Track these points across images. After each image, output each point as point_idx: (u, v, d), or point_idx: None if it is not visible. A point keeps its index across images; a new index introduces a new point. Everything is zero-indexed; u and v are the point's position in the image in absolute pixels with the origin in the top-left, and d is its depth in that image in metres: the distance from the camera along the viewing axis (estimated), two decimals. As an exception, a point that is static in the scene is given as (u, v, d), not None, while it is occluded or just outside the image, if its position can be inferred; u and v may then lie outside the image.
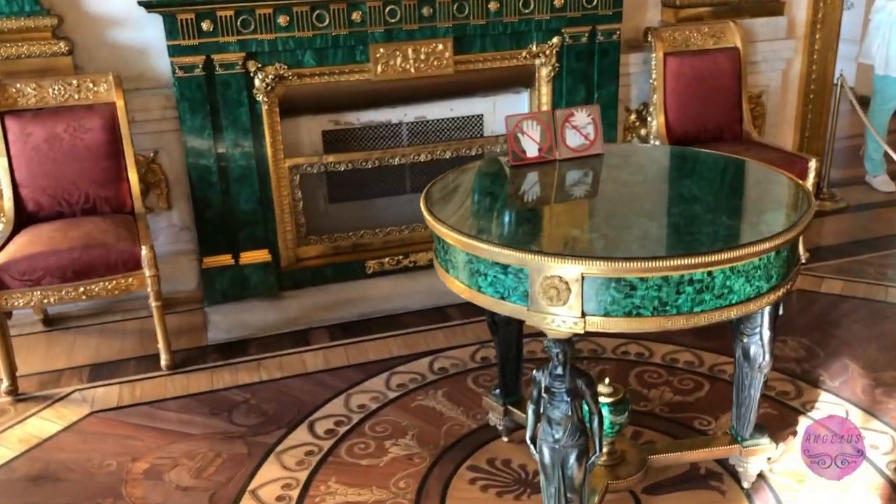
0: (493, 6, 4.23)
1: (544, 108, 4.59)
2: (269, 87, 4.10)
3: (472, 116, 4.70)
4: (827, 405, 3.31)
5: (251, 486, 2.94)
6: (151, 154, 4.21)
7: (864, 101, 6.03)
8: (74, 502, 2.90)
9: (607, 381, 2.68)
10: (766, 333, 2.63)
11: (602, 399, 2.61)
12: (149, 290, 3.59)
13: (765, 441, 2.80)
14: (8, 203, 3.78)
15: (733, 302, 2.14)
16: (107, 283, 3.53)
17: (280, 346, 3.92)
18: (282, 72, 4.09)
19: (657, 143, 4.66)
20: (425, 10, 4.15)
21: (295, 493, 2.90)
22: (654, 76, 4.69)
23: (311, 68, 4.15)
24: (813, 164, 4.37)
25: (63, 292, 3.49)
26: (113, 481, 2.99)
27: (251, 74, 4.05)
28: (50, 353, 3.93)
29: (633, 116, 4.92)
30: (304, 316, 4.18)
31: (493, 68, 4.46)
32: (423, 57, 4.26)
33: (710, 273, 2.08)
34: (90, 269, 3.49)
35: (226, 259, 4.27)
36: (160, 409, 3.45)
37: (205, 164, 4.10)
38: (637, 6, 4.85)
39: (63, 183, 3.82)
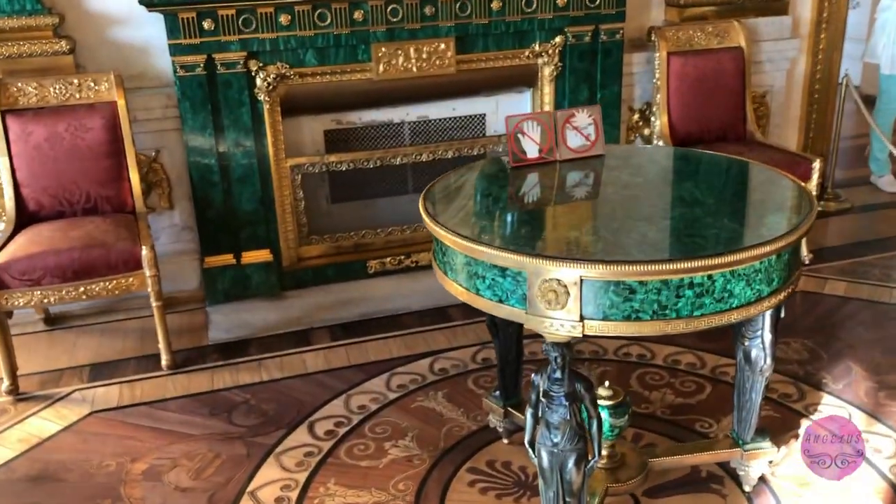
0: (495, 5, 4.21)
1: (547, 107, 4.58)
2: (271, 87, 4.09)
3: (475, 116, 4.68)
4: (830, 408, 3.29)
5: (250, 488, 2.94)
6: (153, 153, 4.21)
7: (870, 101, 6.01)
8: (73, 503, 2.89)
9: (607, 383, 2.67)
10: (768, 336, 2.61)
11: (602, 402, 2.60)
12: (149, 290, 3.58)
13: (766, 444, 2.78)
14: (9, 202, 3.78)
15: (734, 306, 2.12)
16: (107, 283, 3.53)
17: (281, 346, 3.92)
18: (283, 71, 4.08)
19: (660, 143, 4.64)
20: (427, 10, 4.14)
21: (294, 495, 2.89)
22: (657, 76, 4.67)
23: (312, 67, 4.14)
24: (817, 164, 4.35)
25: (63, 292, 3.48)
26: (112, 482, 2.99)
27: (252, 74, 4.04)
28: (51, 352, 3.93)
29: (636, 116, 4.90)
30: (305, 316, 4.17)
31: (495, 68, 4.44)
32: (425, 56, 4.25)
33: (710, 276, 2.06)
34: (90, 268, 3.48)
35: (227, 259, 4.26)
36: (160, 409, 3.45)
37: (206, 164, 4.10)
38: (641, 5, 4.83)
39: (64, 182, 3.82)
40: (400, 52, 4.21)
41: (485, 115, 4.68)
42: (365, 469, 3.02)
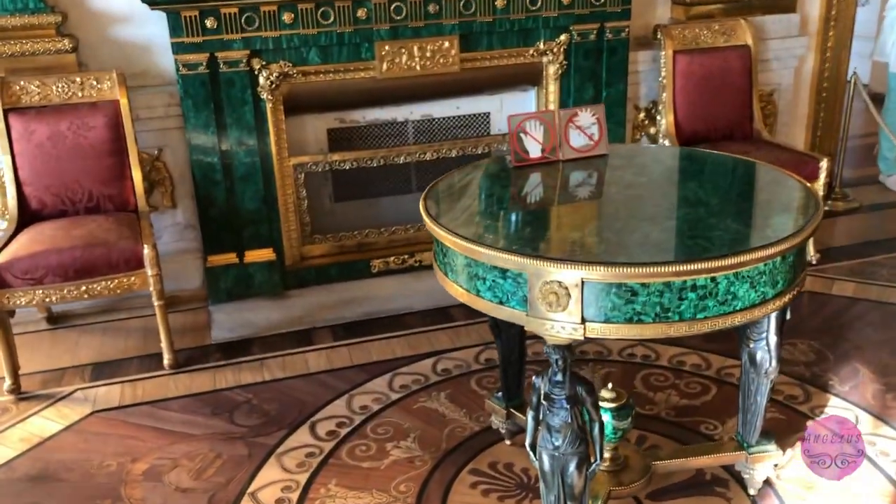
0: (499, 3, 4.18)
1: (552, 106, 4.55)
2: (274, 85, 4.07)
3: (479, 114, 4.66)
4: (836, 410, 3.25)
5: (251, 489, 2.92)
6: (156, 152, 4.20)
7: (878, 99, 5.96)
8: (73, 503, 2.88)
9: (610, 385, 2.64)
10: (773, 339, 2.58)
11: (605, 404, 2.57)
12: (151, 289, 3.57)
13: (771, 447, 2.75)
14: (11, 201, 3.77)
15: (737, 308, 2.09)
16: (109, 283, 3.52)
17: (283, 345, 3.90)
18: (286, 69, 4.06)
19: (666, 141, 4.61)
20: (431, 7, 4.11)
21: (294, 496, 2.87)
22: (663, 74, 4.63)
23: (315, 66, 4.12)
24: (824, 163, 4.31)
25: (65, 291, 3.47)
26: (112, 482, 2.98)
27: (255, 72, 4.02)
28: (53, 351, 3.92)
29: (642, 115, 4.86)
30: (308, 315, 4.15)
31: (499, 66, 4.41)
32: (428, 54, 4.22)
33: (713, 279, 2.03)
34: (92, 268, 3.47)
35: (230, 258, 4.25)
36: (162, 408, 3.44)
37: (209, 163, 4.08)
38: (646, 3, 4.79)
39: (66, 181, 3.81)
40: (403, 50, 4.18)
41: (489, 113, 4.65)
42: (366, 470, 3.00)
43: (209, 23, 3.85)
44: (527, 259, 2.05)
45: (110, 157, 3.86)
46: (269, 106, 4.10)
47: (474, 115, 4.65)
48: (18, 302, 3.44)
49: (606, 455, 2.67)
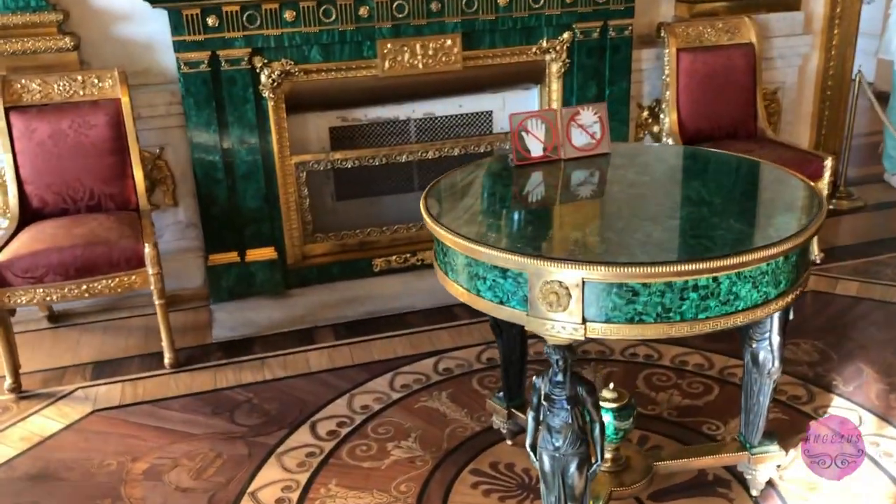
0: (502, 1, 4.16)
1: (554, 104, 4.53)
2: (276, 83, 4.06)
3: (481, 113, 4.64)
4: (840, 410, 3.23)
5: (251, 488, 2.91)
6: (157, 150, 4.19)
7: (884, 98, 5.93)
8: (72, 502, 2.88)
9: (612, 385, 2.63)
10: (776, 339, 2.56)
11: (606, 404, 2.56)
12: (152, 288, 3.56)
13: (774, 448, 2.74)
14: (12, 199, 3.77)
15: (739, 308, 2.07)
16: (110, 281, 3.51)
17: (285, 344, 3.89)
18: (288, 68, 4.05)
19: (670, 140, 4.58)
20: (433, 5, 4.10)
21: (295, 496, 2.86)
22: (666, 72, 4.61)
23: (317, 64, 4.10)
24: (829, 162, 4.28)
25: (66, 290, 3.47)
26: (112, 481, 2.97)
27: (257, 70, 4.01)
28: (54, 349, 3.92)
29: (645, 113, 4.84)
30: (309, 314, 4.14)
31: (502, 64, 4.40)
32: (431, 52, 4.21)
33: (715, 279, 2.02)
34: (93, 266, 3.46)
35: (232, 256, 4.24)
36: (162, 407, 3.43)
37: (210, 161, 4.07)
38: (650, 1, 4.76)
39: (67, 179, 3.80)
40: (406, 48, 4.17)
41: (491, 112, 4.64)
42: (367, 470, 2.99)
43: (211, 21, 3.83)
44: (527, 259, 2.03)
45: (111, 155, 3.85)
46: (270, 104, 4.09)
47: (477, 113, 4.63)
48: (19, 301, 3.44)
49: (608, 455, 2.66)
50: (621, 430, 2.61)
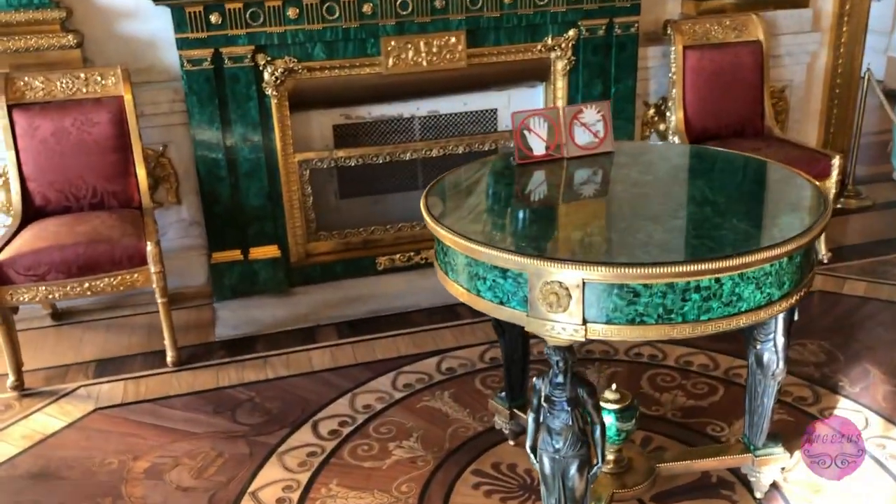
0: (507, -2, 4.15)
1: (560, 102, 4.50)
2: (279, 81, 4.04)
3: (486, 111, 4.62)
4: (846, 412, 3.20)
5: (251, 488, 2.90)
6: (161, 148, 4.18)
7: (893, 96, 5.89)
8: (73, 501, 2.87)
9: (614, 386, 2.60)
10: (780, 340, 2.53)
11: (609, 406, 2.54)
12: (154, 286, 3.55)
13: (778, 450, 2.71)
14: (15, 197, 3.77)
15: (742, 310, 2.05)
16: (112, 279, 3.50)
17: (288, 343, 3.88)
18: (291, 65, 4.03)
19: (676, 138, 4.55)
20: (438, 3, 4.07)
21: (295, 496, 2.85)
22: (673, 70, 4.58)
23: (321, 61, 4.09)
24: (836, 161, 4.24)
25: (68, 288, 3.46)
26: (113, 480, 2.97)
27: (260, 68, 4.00)
28: (58, 347, 3.92)
29: (651, 111, 4.81)
30: (313, 312, 4.13)
31: (507, 62, 4.37)
32: (435, 50, 4.19)
33: (717, 280, 1.99)
34: (95, 264, 3.46)
35: (235, 254, 4.23)
36: (164, 406, 3.42)
37: (213, 159, 4.06)
38: (657, -2, 4.74)
39: (70, 177, 3.80)
40: (410, 45, 4.15)
41: (496, 109, 4.61)
42: (368, 470, 2.97)
43: (214, 18, 3.82)
44: (527, 259, 2.01)
45: (114, 153, 3.84)
46: (273, 102, 4.08)
47: (481, 111, 4.61)
48: (22, 298, 3.43)
49: (610, 457, 2.64)
50: (623, 431, 2.59)
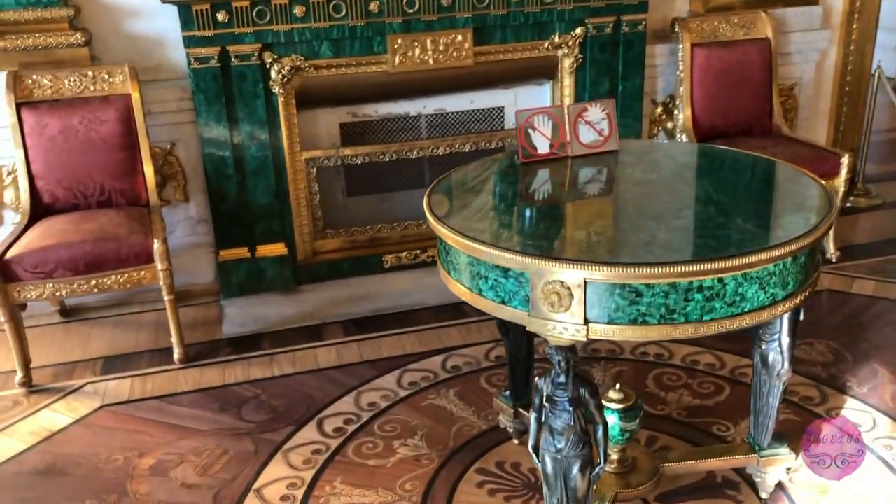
0: (513, -4, 4.14)
1: (567, 100, 4.49)
2: (286, 79, 4.05)
3: (493, 109, 4.61)
4: (853, 412, 3.18)
5: (256, 485, 2.91)
6: (168, 146, 4.19)
7: (904, 93, 5.82)
8: (79, 497, 2.89)
9: (618, 386, 2.59)
10: (786, 340, 2.51)
11: (612, 405, 2.53)
12: (161, 283, 3.57)
13: (784, 451, 2.69)
14: (24, 195, 3.79)
15: (746, 310, 2.03)
16: (119, 277, 3.52)
17: (294, 340, 3.89)
18: (298, 63, 4.04)
19: (683, 136, 4.53)
20: (444, 0, 4.07)
21: (300, 494, 2.86)
22: (681, 68, 4.56)
23: (327, 60, 4.09)
24: (846, 159, 4.22)
25: (75, 285, 3.48)
26: (119, 477, 2.98)
27: (267, 66, 4.00)
28: (66, 344, 3.94)
29: (659, 109, 4.79)
30: (319, 310, 4.14)
31: (514, 59, 4.37)
32: (441, 48, 4.18)
33: (721, 280, 1.98)
34: (102, 262, 3.47)
35: (242, 252, 4.24)
36: (171, 403, 3.44)
37: (221, 157, 4.07)
38: (664, -5, 4.72)
39: (78, 175, 3.81)
40: (416, 43, 4.14)
41: (503, 107, 4.61)
42: (372, 468, 2.98)
43: (220, 16, 3.83)
44: (529, 258, 2.00)
45: (122, 151, 3.86)
46: (280, 100, 4.08)
47: (488, 109, 4.61)
48: (29, 295, 3.45)
49: (614, 456, 2.63)
50: (627, 431, 2.58)
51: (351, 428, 3.21)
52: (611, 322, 2.01)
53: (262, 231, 4.24)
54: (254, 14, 3.87)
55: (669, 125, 4.77)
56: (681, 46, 4.54)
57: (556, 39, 4.35)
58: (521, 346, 2.90)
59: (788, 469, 2.76)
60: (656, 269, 1.93)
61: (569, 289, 1.98)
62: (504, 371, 3.49)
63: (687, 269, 1.94)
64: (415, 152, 4.41)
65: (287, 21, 3.93)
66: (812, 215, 2.25)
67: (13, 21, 3.82)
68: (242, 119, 4.05)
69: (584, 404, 2.14)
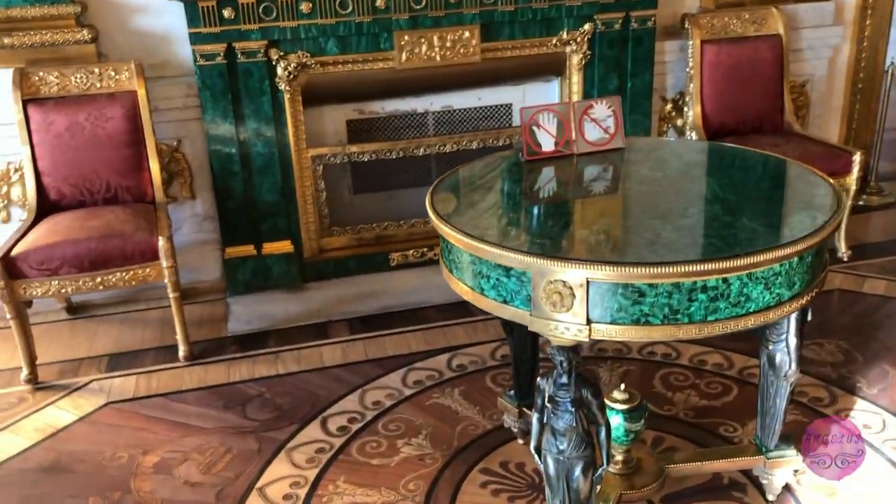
0: (521, -8, 4.11)
1: (575, 96, 4.46)
2: (292, 76, 4.03)
3: (501, 106, 4.58)
4: (863, 413, 3.14)
5: (259, 484, 2.90)
6: (175, 143, 4.19)
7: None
8: (83, 495, 2.88)
9: (623, 386, 2.56)
10: (793, 341, 2.48)
11: (617, 406, 2.51)
12: (166, 280, 3.56)
13: (791, 452, 2.66)
14: (30, 191, 3.79)
15: (751, 311, 2.00)
16: (124, 274, 3.52)
17: (299, 338, 3.88)
18: (304, 60, 4.02)
19: (693, 134, 4.49)
20: (451, -3, 4.05)
21: (302, 493, 2.84)
22: (690, 65, 4.52)
23: (334, 56, 4.07)
24: (857, 157, 4.17)
25: (81, 282, 3.48)
26: (123, 474, 2.98)
27: (273, 63, 3.99)
28: (72, 341, 3.94)
29: (668, 106, 4.75)
30: (325, 308, 4.13)
31: (522, 56, 4.34)
32: (449, 44, 4.16)
33: (725, 280, 1.95)
34: (107, 259, 3.47)
35: (248, 249, 4.24)
36: (175, 401, 3.43)
37: (227, 154, 4.06)
38: (674, -8, 4.68)
39: (84, 172, 3.81)
40: (423, 40, 4.12)
41: (511, 104, 4.58)
42: (376, 467, 2.96)
43: (226, 13, 3.82)
44: (530, 257, 1.98)
45: (128, 147, 3.85)
46: (286, 97, 4.07)
47: (496, 106, 4.58)
48: (34, 292, 3.46)
49: (619, 457, 2.61)
50: (632, 432, 2.55)
51: (355, 427, 3.19)
52: (613, 322, 1.98)
53: (268, 228, 4.23)
54: (260, 10, 3.86)
55: (679, 122, 4.73)
56: (690, 43, 4.50)
57: (565, 36, 4.31)
58: (525, 346, 2.88)
59: (796, 471, 2.72)
60: (659, 269, 1.90)
61: (571, 288, 1.95)
62: (509, 370, 3.46)
63: (690, 269, 1.91)
64: (422, 150, 4.39)
65: (293, 17, 3.91)
66: (819, 214, 2.21)
67: (20, 18, 3.82)
68: (248, 116, 4.04)
69: (587, 405, 2.11)
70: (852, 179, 4.19)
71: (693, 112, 4.50)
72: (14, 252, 3.41)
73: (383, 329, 3.92)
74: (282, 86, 4.04)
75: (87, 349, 3.86)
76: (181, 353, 3.71)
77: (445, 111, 4.49)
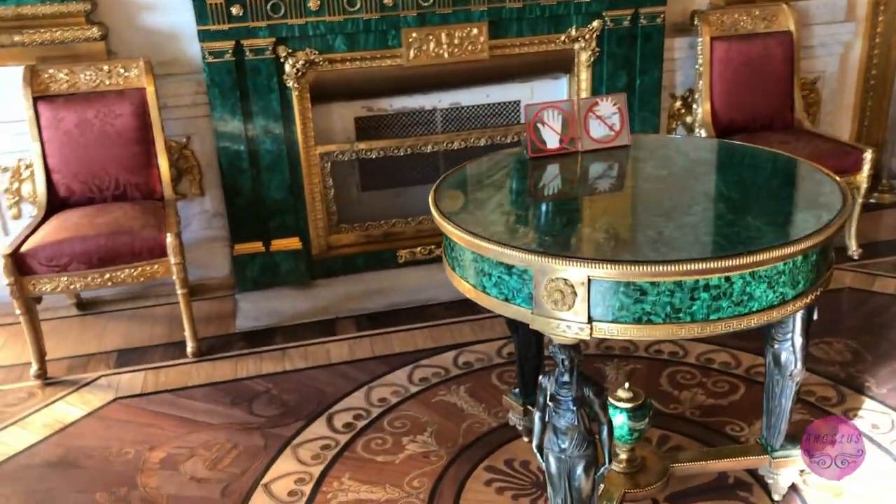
0: (529, -11, 4.09)
1: (584, 93, 4.45)
2: (300, 73, 4.04)
3: (509, 103, 4.58)
4: (871, 413, 3.12)
5: (264, 480, 2.91)
6: (184, 140, 4.20)
7: (932, 87, 5.70)
8: (89, 490, 2.91)
9: (627, 385, 2.56)
10: (798, 340, 2.46)
11: (621, 404, 2.50)
12: (174, 277, 3.58)
13: (796, 452, 2.64)
14: (40, 188, 3.82)
15: (754, 310, 1.99)
16: (132, 270, 3.53)
17: (307, 335, 3.89)
18: (312, 57, 4.03)
19: (702, 131, 4.47)
20: (459, -7, 4.04)
21: (307, 489, 2.85)
22: (700, 61, 4.49)
23: (342, 53, 4.08)
24: (868, 154, 4.13)
25: (89, 278, 3.50)
26: (129, 470, 3.00)
27: (281, 60, 4.00)
28: (81, 337, 3.97)
29: (678, 103, 4.72)
30: (333, 305, 4.13)
31: (530, 53, 4.33)
32: (457, 42, 4.15)
33: (728, 278, 1.94)
34: (116, 255, 3.49)
35: (256, 246, 4.25)
36: (183, 396, 3.45)
37: (235, 151, 4.08)
38: (684, -12, 4.65)
39: (94, 168, 3.84)
40: (431, 37, 4.12)
41: (519, 101, 4.57)
42: (380, 464, 2.97)
43: (235, 10, 3.83)
44: (531, 255, 1.97)
45: (137, 144, 3.87)
46: (295, 94, 4.08)
47: (504, 103, 4.57)
48: (44, 289, 3.48)
49: (623, 456, 2.60)
50: (636, 430, 2.54)
51: (360, 424, 3.20)
52: (615, 321, 1.97)
53: (276, 225, 4.24)
54: (268, 8, 3.87)
55: (688, 119, 4.70)
56: (700, 39, 4.48)
57: (573, 33, 4.30)
58: (530, 344, 2.87)
59: (802, 471, 2.71)
60: (661, 268, 1.89)
61: (572, 286, 1.95)
62: (515, 368, 3.46)
63: (693, 268, 1.90)
64: (430, 147, 4.39)
65: (301, 15, 3.92)
66: (825, 213, 2.19)
67: (31, 15, 3.85)
68: (257, 113, 4.05)
69: (589, 403, 2.10)
70: (863, 177, 4.16)
71: (702, 109, 4.48)
72: (24, 248, 3.43)
73: (390, 326, 3.93)
74: (290, 83, 4.05)
75: (96, 345, 3.88)
76: (189, 349, 3.72)
77: (453, 108, 4.49)
